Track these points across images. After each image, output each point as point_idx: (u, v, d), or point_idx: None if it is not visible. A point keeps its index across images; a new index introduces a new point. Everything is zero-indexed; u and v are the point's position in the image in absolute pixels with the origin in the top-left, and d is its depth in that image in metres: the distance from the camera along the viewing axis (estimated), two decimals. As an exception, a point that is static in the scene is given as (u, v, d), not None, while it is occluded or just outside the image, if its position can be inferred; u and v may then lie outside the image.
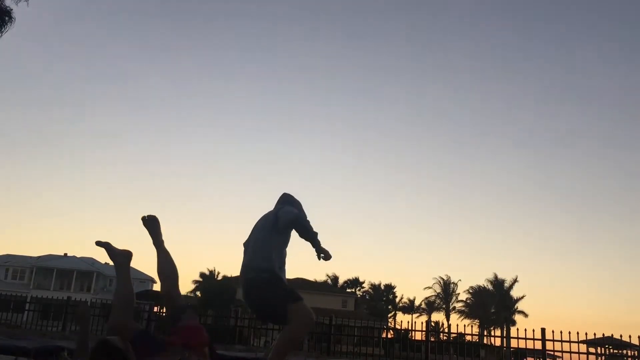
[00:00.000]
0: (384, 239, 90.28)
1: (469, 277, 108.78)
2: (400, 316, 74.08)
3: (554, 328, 12.03)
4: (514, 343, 13.10)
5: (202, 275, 66.21)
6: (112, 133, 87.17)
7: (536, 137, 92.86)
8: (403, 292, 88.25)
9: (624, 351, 19.73)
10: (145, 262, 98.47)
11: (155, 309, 17.78)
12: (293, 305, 4.02)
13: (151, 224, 4.03)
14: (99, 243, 4.06)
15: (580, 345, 11.73)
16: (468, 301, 69.11)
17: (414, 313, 72.69)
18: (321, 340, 16.52)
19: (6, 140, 77.30)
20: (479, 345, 25.08)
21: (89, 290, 54.05)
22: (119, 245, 4.31)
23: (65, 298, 15.78)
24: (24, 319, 15.94)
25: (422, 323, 14.34)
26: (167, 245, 4.40)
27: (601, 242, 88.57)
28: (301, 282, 58.94)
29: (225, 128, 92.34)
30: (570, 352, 11.59)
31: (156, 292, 46.89)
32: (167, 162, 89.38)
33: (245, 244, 4.46)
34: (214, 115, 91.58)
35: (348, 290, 70.30)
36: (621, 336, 12.61)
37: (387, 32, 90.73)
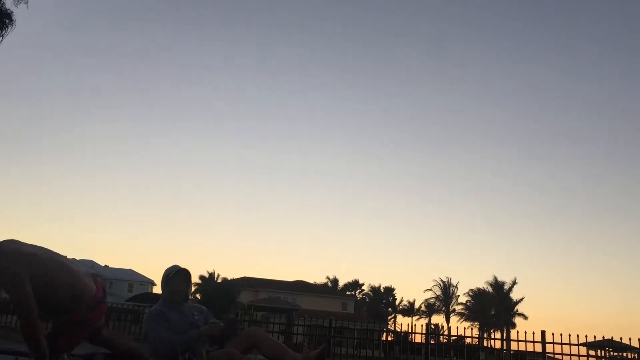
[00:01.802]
0: (384, 241, 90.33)
1: (469, 279, 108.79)
2: (400, 319, 74.08)
3: (554, 330, 12.00)
4: (514, 346, 13.06)
5: (201, 277, 66.04)
6: (113, 136, 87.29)
7: (536, 140, 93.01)
8: (403, 295, 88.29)
9: (625, 354, 19.72)
10: (145, 264, 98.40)
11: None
12: None
13: None
14: None
15: (581, 347, 11.68)
16: (468, 304, 69.05)
17: (414, 315, 72.65)
18: (321, 342, 16.50)
19: (7, 143, 77.36)
20: (479, 348, 25.04)
21: (88, 292, 53.90)
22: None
23: (64, 300, 15.73)
24: (24, 321, 15.89)
25: (422, 325, 14.40)
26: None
27: (601, 244, 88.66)
28: (301, 285, 58.91)
29: (225, 131, 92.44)
30: (571, 355, 11.55)
31: (156, 294, 46.86)
32: (167, 166, 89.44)
33: None
34: (214, 117, 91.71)
35: (348, 292, 70.26)
36: (621, 339, 12.56)
37: (387, 34, 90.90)
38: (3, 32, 14.58)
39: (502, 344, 20.42)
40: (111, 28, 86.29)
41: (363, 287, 75.94)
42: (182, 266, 4.51)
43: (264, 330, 4.51)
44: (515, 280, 65.60)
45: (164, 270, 4.52)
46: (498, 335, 59.52)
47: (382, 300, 75.36)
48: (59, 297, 3.85)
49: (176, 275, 4.43)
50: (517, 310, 64.73)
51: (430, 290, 72.39)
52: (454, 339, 16.79)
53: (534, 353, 12.60)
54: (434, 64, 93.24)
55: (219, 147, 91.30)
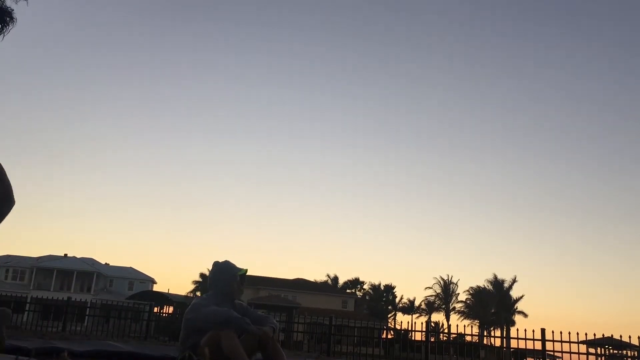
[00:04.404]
0: (384, 239, 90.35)
1: (469, 277, 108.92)
2: (400, 316, 74.14)
3: (553, 328, 12.02)
4: (513, 343, 13.08)
5: (202, 275, 66.22)
6: (113, 134, 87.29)
7: (536, 139, 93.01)
8: (403, 293, 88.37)
9: (624, 351, 19.73)
10: (145, 262, 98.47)
11: (156, 309, 17.79)
12: None
13: None
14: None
15: (580, 345, 11.70)
16: (468, 301, 69.06)
17: (414, 313, 72.67)
18: (321, 340, 16.52)
19: (7, 140, 77.34)
20: (479, 346, 25.06)
21: (89, 290, 53.98)
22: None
23: (65, 299, 15.79)
24: (24, 319, 15.93)
25: (422, 323, 14.32)
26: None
27: (601, 242, 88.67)
28: (302, 283, 58.94)
29: (226, 130, 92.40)
30: (570, 353, 11.57)
31: (156, 292, 46.90)
32: (167, 164, 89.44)
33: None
34: (215, 116, 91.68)
35: (348, 290, 70.26)
36: (621, 336, 12.59)
37: (389, 33, 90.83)
38: (4, 30, 14.57)
39: (502, 342, 20.43)
40: (112, 25, 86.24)
41: (363, 285, 76.02)
42: (243, 267, 4.58)
43: (275, 337, 4.45)
44: (515, 278, 65.78)
45: (224, 263, 4.57)
46: (498, 333, 59.71)
47: (383, 298, 75.39)
48: None
49: (243, 277, 4.53)
50: (517, 308, 64.85)
51: (431, 288, 72.51)
52: (454, 337, 16.78)
53: (533, 351, 12.61)
54: (434, 63, 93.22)
55: (219, 145, 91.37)
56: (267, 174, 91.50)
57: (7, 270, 56.53)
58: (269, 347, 4.29)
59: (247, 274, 4.62)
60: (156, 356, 5.61)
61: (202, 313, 4.25)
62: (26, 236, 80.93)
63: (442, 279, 71.78)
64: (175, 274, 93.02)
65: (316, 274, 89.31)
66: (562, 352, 11.92)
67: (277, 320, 5.20)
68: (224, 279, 4.49)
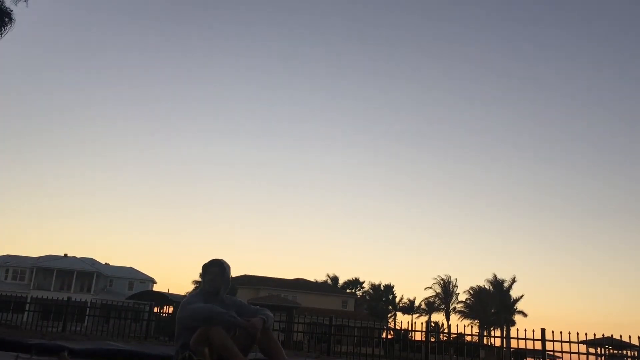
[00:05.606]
0: (384, 239, 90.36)
1: (469, 277, 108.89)
2: (400, 316, 74.08)
3: (553, 328, 12.03)
4: (513, 343, 13.09)
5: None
6: (113, 134, 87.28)
7: (535, 139, 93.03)
8: (403, 293, 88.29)
9: (624, 351, 19.77)
10: (145, 262, 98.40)
11: (156, 309, 17.79)
12: None
13: None
14: None
15: (580, 345, 11.71)
16: (468, 301, 69.02)
17: (414, 313, 72.63)
18: (321, 340, 16.53)
19: (8, 140, 77.33)
20: (479, 346, 25.08)
21: (89, 290, 53.94)
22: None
23: (65, 299, 15.78)
24: (24, 319, 15.92)
25: (422, 323, 14.33)
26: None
27: (601, 242, 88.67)
28: (302, 283, 58.90)
29: (226, 130, 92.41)
30: (570, 353, 11.58)
31: (156, 292, 46.86)
32: (167, 164, 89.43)
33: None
34: (216, 116, 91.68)
35: (348, 290, 70.20)
36: (621, 336, 12.60)
37: (391, 34, 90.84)
38: (2, 31, 14.55)
39: (502, 342, 20.46)
40: (113, 25, 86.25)
41: (363, 285, 75.96)
42: (220, 260, 4.58)
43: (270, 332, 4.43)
44: (514, 278, 65.74)
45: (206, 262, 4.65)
46: (498, 333, 59.70)
47: (382, 298, 75.34)
48: None
49: (208, 268, 4.53)
50: (517, 308, 64.81)
51: (431, 288, 72.47)
52: (454, 337, 16.79)
53: (533, 351, 12.62)
54: (434, 63, 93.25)
55: (220, 145, 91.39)
56: (267, 174, 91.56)
57: (7, 270, 56.51)
58: (262, 339, 4.26)
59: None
60: (156, 356, 5.61)
61: (188, 311, 4.27)
62: (26, 236, 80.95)
63: (442, 279, 71.81)
64: (175, 274, 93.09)
65: (316, 274, 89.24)
66: (562, 352, 11.93)
67: (277, 321, 5.19)
68: (202, 276, 4.58)
